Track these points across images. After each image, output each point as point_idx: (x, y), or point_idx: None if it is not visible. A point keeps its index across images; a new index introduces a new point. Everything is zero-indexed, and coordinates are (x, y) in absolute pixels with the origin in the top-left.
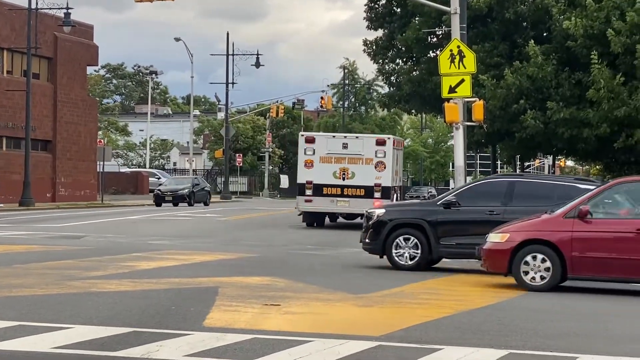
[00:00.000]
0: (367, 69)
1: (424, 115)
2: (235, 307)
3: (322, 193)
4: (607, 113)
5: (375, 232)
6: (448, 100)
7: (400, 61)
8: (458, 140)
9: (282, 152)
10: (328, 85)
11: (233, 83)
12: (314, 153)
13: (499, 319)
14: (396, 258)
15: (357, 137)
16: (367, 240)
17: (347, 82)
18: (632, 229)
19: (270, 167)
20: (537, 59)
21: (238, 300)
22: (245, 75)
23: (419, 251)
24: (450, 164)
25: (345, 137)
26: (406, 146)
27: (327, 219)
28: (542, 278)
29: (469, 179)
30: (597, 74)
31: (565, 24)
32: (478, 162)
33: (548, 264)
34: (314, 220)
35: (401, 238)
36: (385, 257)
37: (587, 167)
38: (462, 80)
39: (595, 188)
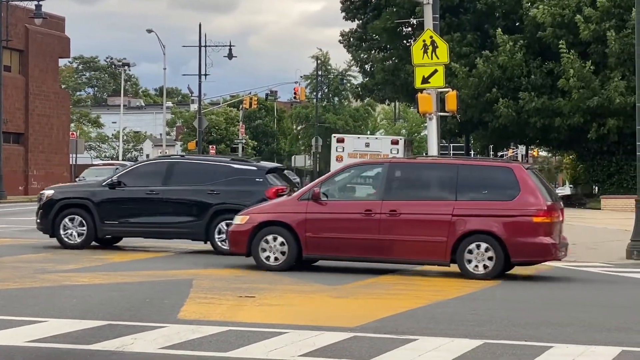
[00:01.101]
0: (340, 59)
1: (397, 106)
2: (209, 299)
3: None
4: (578, 103)
5: (45, 213)
6: (421, 90)
7: (374, 51)
8: (431, 131)
9: (255, 143)
10: (301, 77)
11: (206, 75)
12: (343, 150)
13: (474, 309)
14: (64, 237)
15: (376, 138)
16: (38, 220)
17: (320, 73)
18: (361, 210)
19: None
20: (505, 46)
21: (213, 292)
22: (218, 66)
23: (85, 229)
24: (424, 154)
25: (367, 137)
26: (380, 137)
27: None
28: (277, 259)
29: None
30: (567, 63)
31: (533, 12)
32: (451, 152)
33: (285, 245)
34: None
35: (67, 218)
36: (55, 237)
37: (559, 156)
38: (435, 71)
39: (252, 168)
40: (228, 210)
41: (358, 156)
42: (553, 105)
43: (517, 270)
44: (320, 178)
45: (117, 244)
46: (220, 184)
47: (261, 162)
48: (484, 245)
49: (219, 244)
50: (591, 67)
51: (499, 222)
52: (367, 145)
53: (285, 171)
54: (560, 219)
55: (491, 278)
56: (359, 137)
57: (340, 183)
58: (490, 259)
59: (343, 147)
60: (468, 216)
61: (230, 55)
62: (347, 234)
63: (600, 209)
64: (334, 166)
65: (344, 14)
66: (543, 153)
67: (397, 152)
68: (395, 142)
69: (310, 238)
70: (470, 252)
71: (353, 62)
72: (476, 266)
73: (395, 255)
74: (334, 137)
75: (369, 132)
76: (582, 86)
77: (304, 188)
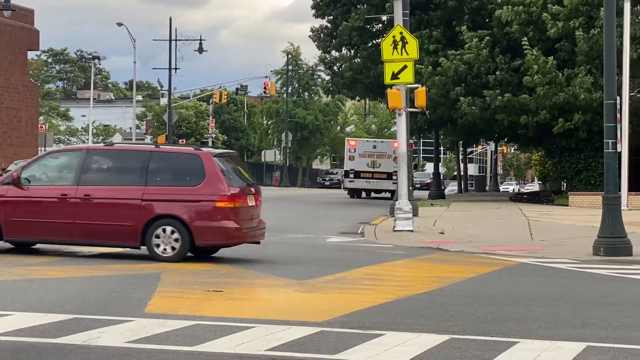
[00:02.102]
0: (311, 54)
1: (367, 101)
2: (177, 293)
3: (360, 176)
4: (543, 99)
5: None
6: (391, 86)
7: (344, 49)
8: (401, 127)
9: (225, 137)
10: (271, 71)
11: (176, 69)
12: (355, 151)
13: (441, 305)
14: None
15: (382, 141)
16: None
17: (290, 68)
18: (58, 194)
19: None
20: (471, 42)
21: (180, 286)
22: (188, 61)
23: None
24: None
25: (375, 141)
26: (349, 132)
27: (363, 194)
28: None
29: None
30: (530, 59)
31: (497, 12)
32: (421, 148)
33: None
34: (354, 193)
35: None
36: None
37: (528, 153)
38: (405, 67)
39: None
40: None
41: (367, 156)
42: (519, 102)
43: (483, 267)
44: (24, 163)
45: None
46: None
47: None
48: (169, 229)
49: None
50: (554, 62)
51: (184, 207)
52: (375, 147)
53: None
54: (250, 204)
55: (178, 260)
56: (367, 141)
57: (41, 169)
58: (176, 241)
59: (355, 149)
60: (156, 201)
61: (200, 50)
62: (45, 218)
63: (568, 205)
64: (347, 164)
65: (314, 10)
66: (513, 149)
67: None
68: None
69: (10, 222)
70: (158, 236)
71: (322, 61)
72: (164, 249)
73: (90, 239)
74: (347, 140)
75: (338, 127)
76: (548, 82)
77: (7, 174)
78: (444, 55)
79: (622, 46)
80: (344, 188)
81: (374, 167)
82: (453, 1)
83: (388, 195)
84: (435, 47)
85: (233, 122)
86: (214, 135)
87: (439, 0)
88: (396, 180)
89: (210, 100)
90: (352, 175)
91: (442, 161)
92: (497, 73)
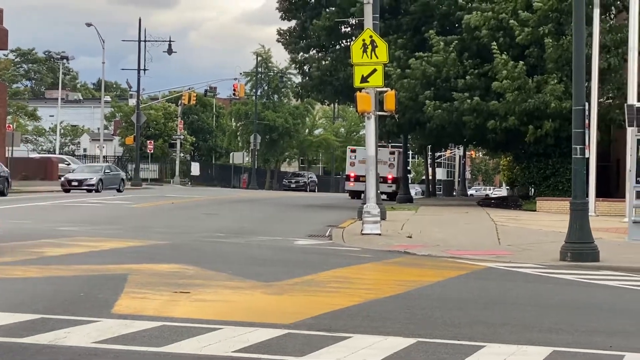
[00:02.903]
0: (281, 57)
1: (336, 105)
2: (144, 294)
3: (359, 180)
4: (512, 105)
5: None
6: (360, 89)
7: (312, 50)
8: (370, 130)
9: (194, 139)
10: (241, 73)
11: (145, 69)
12: (355, 158)
13: (409, 308)
14: None
15: (379, 149)
16: None
17: (260, 70)
18: None
19: (182, 154)
20: (439, 46)
21: (147, 287)
22: (158, 62)
23: None
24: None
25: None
26: (317, 135)
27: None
28: None
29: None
30: (499, 63)
31: (466, 18)
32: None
33: None
34: (355, 195)
35: None
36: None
37: (496, 158)
38: (374, 70)
39: None
40: None
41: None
42: (489, 107)
43: (451, 271)
44: None
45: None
46: None
47: None
48: None
49: None
50: (523, 67)
51: None
52: None
53: None
54: None
55: None
56: (364, 149)
57: None
58: None
59: (355, 156)
60: None
61: (169, 51)
62: None
63: (535, 210)
64: (348, 169)
65: (281, 13)
66: (481, 154)
67: (394, 159)
68: (392, 152)
69: None
70: None
71: (293, 61)
72: None
73: None
74: (349, 148)
75: (307, 130)
76: (517, 88)
77: None
78: (413, 59)
79: (591, 54)
80: (345, 190)
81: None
82: (422, 6)
83: (384, 197)
84: (402, 52)
85: (201, 123)
86: (182, 137)
87: (408, 6)
88: (391, 183)
89: (179, 102)
90: (352, 180)
91: (410, 165)
92: (466, 77)
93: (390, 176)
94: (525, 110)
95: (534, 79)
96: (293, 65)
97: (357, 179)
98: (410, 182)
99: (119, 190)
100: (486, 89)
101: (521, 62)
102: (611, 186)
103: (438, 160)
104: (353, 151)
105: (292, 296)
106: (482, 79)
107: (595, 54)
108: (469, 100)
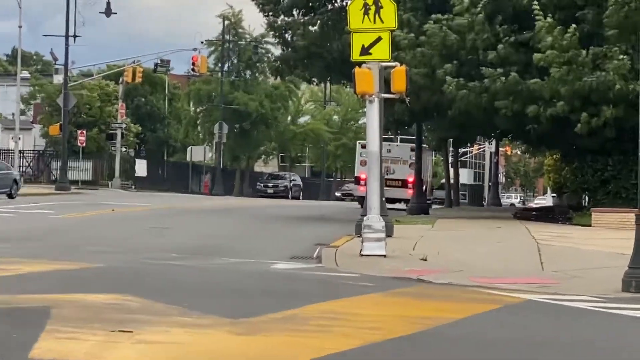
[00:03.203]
0: (256, 20)
1: (328, 85)
2: (72, 334)
3: None
4: (560, 84)
5: None
6: (360, 64)
7: (296, 13)
8: (372, 118)
9: (140, 128)
10: (202, 42)
11: (75, 36)
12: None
13: (423, 352)
14: None
15: (397, 145)
16: None
17: (228, 38)
18: None
19: (124, 149)
20: (463, 5)
21: (77, 324)
22: (92, 26)
23: None
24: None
25: (389, 144)
26: (303, 124)
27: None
28: None
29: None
30: (542, 29)
31: None
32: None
33: None
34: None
35: None
36: None
37: (539, 156)
38: (379, 39)
39: None
40: None
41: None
42: (529, 87)
43: (478, 304)
44: None
45: None
46: None
47: None
48: None
49: None
50: (576, 34)
51: None
52: (389, 151)
53: None
54: None
55: None
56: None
57: None
58: None
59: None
60: None
61: (108, 12)
62: None
63: (590, 225)
64: (358, 170)
65: None
66: (519, 151)
67: (420, 160)
68: (413, 149)
69: None
70: None
71: (271, 27)
72: None
73: None
74: (359, 143)
75: (289, 118)
76: (566, 61)
77: None
78: (429, 21)
79: None
80: (355, 197)
81: (387, 174)
82: None
83: (403, 205)
84: (416, 14)
85: (150, 108)
86: (124, 125)
87: None
88: (411, 187)
89: (121, 79)
90: (363, 182)
91: None
92: (498, 47)
93: (411, 179)
94: (577, 92)
95: (590, 51)
96: (271, 33)
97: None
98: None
99: (10, 196)
100: (526, 64)
101: (573, 26)
102: None
103: (462, 159)
104: (364, 147)
105: (268, 337)
106: (521, 51)
107: None
108: (502, 78)
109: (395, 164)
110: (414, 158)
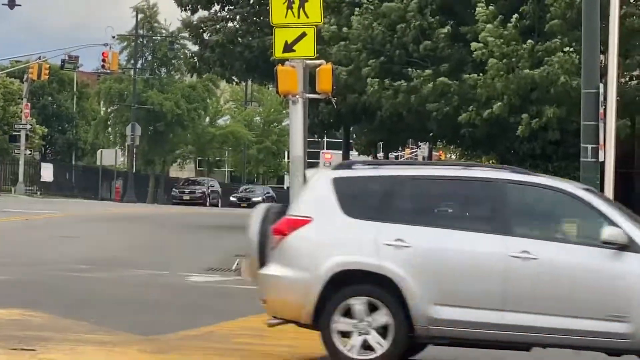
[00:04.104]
0: (172, 13)
1: (249, 84)
2: None
3: None
4: (495, 78)
5: None
6: (282, 62)
7: (216, 5)
8: (296, 120)
9: (46, 130)
10: (114, 37)
11: None
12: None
13: None
14: None
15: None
16: None
17: (142, 32)
18: None
19: (28, 152)
20: None
21: None
22: None
23: None
24: (286, 152)
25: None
26: (223, 126)
27: None
28: None
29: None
30: (481, 16)
31: None
32: (325, 149)
33: None
34: None
35: None
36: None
37: (475, 160)
38: (304, 34)
39: None
40: None
41: None
42: (462, 88)
43: None
44: None
45: None
46: None
47: None
48: None
49: None
50: (518, 24)
51: None
52: None
53: None
54: None
55: None
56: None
57: None
58: None
59: (331, 163)
60: None
61: (11, 4)
62: None
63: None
64: None
65: None
66: (454, 155)
67: None
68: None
69: None
70: None
71: (186, 26)
72: None
73: None
74: (323, 153)
75: (208, 119)
76: (504, 55)
77: None
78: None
79: (609, 12)
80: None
81: None
82: None
83: None
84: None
85: (57, 107)
86: (29, 127)
87: None
88: None
89: (25, 77)
90: None
91: None
92: (433, 40)
93: None
94: (517, 89)
95: (529, 45)
96: (188, 32)
97: None
98: None
99: None
100: (460, 60)
101: (515, 16)
102: (636, 202)
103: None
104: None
105: (182, 356)
106: (456, 46)
107: (614, 10)
108: (430, 85)
109: None
110: None
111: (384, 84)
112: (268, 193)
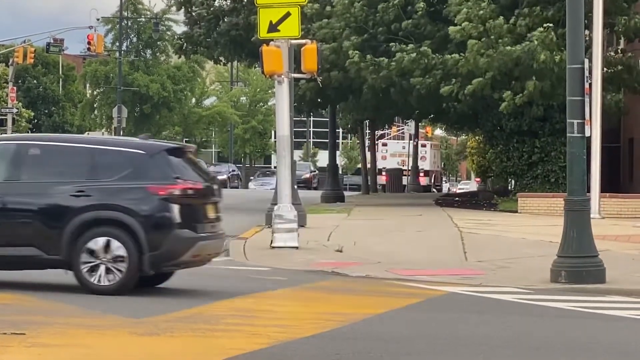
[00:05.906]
0: None
1: (235, 64)
2: None
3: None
4: (477, 57)
5: None
6: (267, 42)
7: None
8: (281, 100)
9: (32, 113)
10: (98, 20)
11: None
12: (387, 152)
13: (336, 353)
14: None
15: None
16: None
17: (127, 14)
18: None
19: None
20: None
21: None
22: None
23: None
24: (272, 132)
25: (404, 142)
26: (209, 107)
27: None
28: None
29: (298, 153)
30: None
31: None
32: (312, 129)
33: None
34: (386, 190)
35: None
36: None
37: (463, 137)
38: (288, 14)
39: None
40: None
41: (397, 155)
42: (445, 62)
43: (398, 298)
44: None
45: None
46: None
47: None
48: None
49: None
50: (492, 3)
51: None
52: (404, 147)
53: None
54: None
55: None
56: (397, 142)
57: None
58: None
59: (387, 149)
60: None
61: None
62: None
63: (517, 211)
64: (380, 163)
65: None
66: (440, 132)
67: (425, 152)
68: (423, 145)
69: None
70: None
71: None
72: None
73: None
74: (379, 141)
75: (194, 100)
76: (482, 33)
77: None
78: None
79: None
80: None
81: (403, 165)
82: None
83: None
84: None
85: (43, 90)
86: (15, 110)
87: None
88: (423, 176)
89: (10, 61)
90: (384, 173)
91: (340, 149)
92: (413, 17)
93: (421, 168)
94: (499, 66)
95: (509, 22)
96: (173, 6)
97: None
98: (342, 172)
99: None
100: (443, 38)
101: None
102: (622, 176)
103: (384, 141)
104: (385, 145)
105: (173, 337)
106: (438, 24)
107: None
108: (413, 54)
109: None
110: (423, 152)
111: (365, 58)
112: (234, 171)
